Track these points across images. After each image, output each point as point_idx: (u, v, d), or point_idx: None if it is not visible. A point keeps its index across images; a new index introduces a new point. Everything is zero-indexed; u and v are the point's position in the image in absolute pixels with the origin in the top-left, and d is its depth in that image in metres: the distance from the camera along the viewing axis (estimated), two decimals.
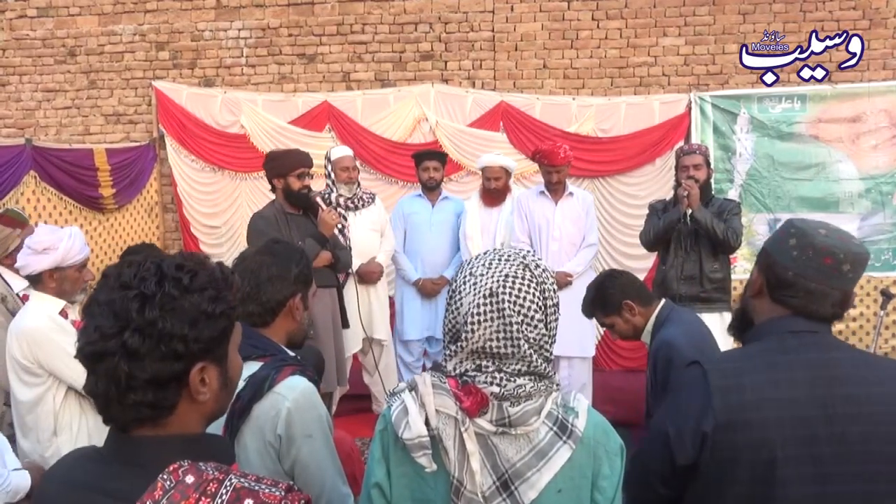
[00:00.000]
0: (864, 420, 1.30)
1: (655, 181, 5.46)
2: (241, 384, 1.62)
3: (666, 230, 3.91)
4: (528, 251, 1.37)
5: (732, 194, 5.26)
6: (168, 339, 0.92)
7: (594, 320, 3.04)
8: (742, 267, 5.32)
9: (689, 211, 3.83)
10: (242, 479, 0.90)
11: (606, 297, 2.70)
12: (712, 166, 4.29)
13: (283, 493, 0.89)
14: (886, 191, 5.24)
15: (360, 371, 4.66)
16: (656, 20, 5.61)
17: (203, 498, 0.85)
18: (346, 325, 4.04)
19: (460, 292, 1.29)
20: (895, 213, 5.24)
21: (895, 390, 1.32)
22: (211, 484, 0.87)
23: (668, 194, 4.52)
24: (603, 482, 1.24)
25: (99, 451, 1.00)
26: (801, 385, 1.33)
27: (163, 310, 0.92)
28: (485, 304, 1.24)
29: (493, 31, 5.75)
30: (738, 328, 1.54)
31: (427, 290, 4.68)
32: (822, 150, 5.27)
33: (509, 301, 1.24)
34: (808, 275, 1.36)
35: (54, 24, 6.08)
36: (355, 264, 4.24)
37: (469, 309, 1.25)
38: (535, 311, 1.25)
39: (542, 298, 1.27)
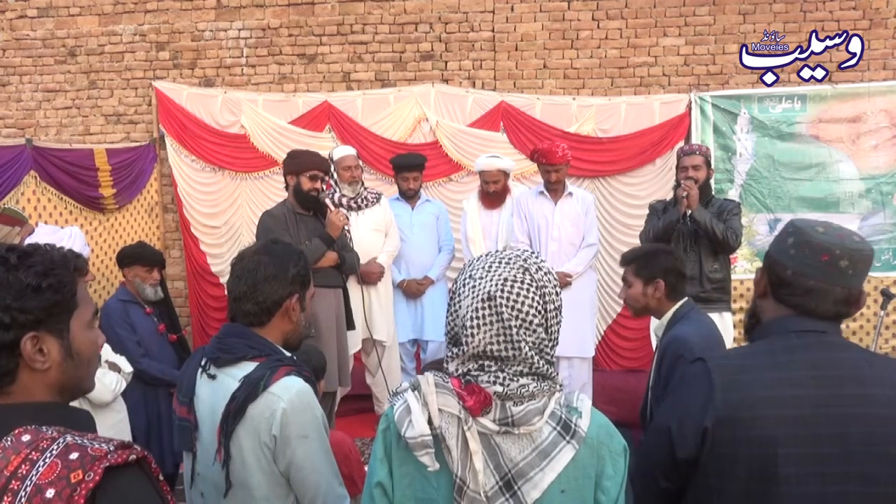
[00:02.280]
0: (866, 421, 1.30)
1: (655, 181, 5.46)
2: (235, 384, 1.62)
3: (666, 230, 3.92)
4: (531, 252, 1.35)
5: (733, 194, 5.26)
6: None
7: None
8: (742, 267, 5.32)
9: (689, 211, 3.83)
10: (77, 438, 0.97)
11: (651, 262, 2.68)
12: (712, 166, 4.29)
13: (111, 448, 0.96)
14: (887, 191, 5.24)
15: (363, 371, 4.66)
16: (656, 20, 5.61)
17: (34, 452, 0.93)
18: (351, 326, 4.04)
19: (459, 295, 1.28)
20: (895, 214, 5.24)
21: None
22: (44, 441, 0.94)
23: (668, 194, 4.52)
24: (606, 482, 1.24)
25: None
26: (803, 384, 1.33)
27: None
28: (483, 309, 1.23)
29: (493, 31, 5.75)
30: (748, 328, 1.55)
31: (412, 290, 4.68)
32: (823, 150, 5.27)
33: (507, 306, 1.23)
34: (805, 272, 1.36)
35: (54, 25, 6.08)
36: None
37: (468, 313, 1.25)
38: (535, 315, 1.24)
39: (542, 303, 1.26)
